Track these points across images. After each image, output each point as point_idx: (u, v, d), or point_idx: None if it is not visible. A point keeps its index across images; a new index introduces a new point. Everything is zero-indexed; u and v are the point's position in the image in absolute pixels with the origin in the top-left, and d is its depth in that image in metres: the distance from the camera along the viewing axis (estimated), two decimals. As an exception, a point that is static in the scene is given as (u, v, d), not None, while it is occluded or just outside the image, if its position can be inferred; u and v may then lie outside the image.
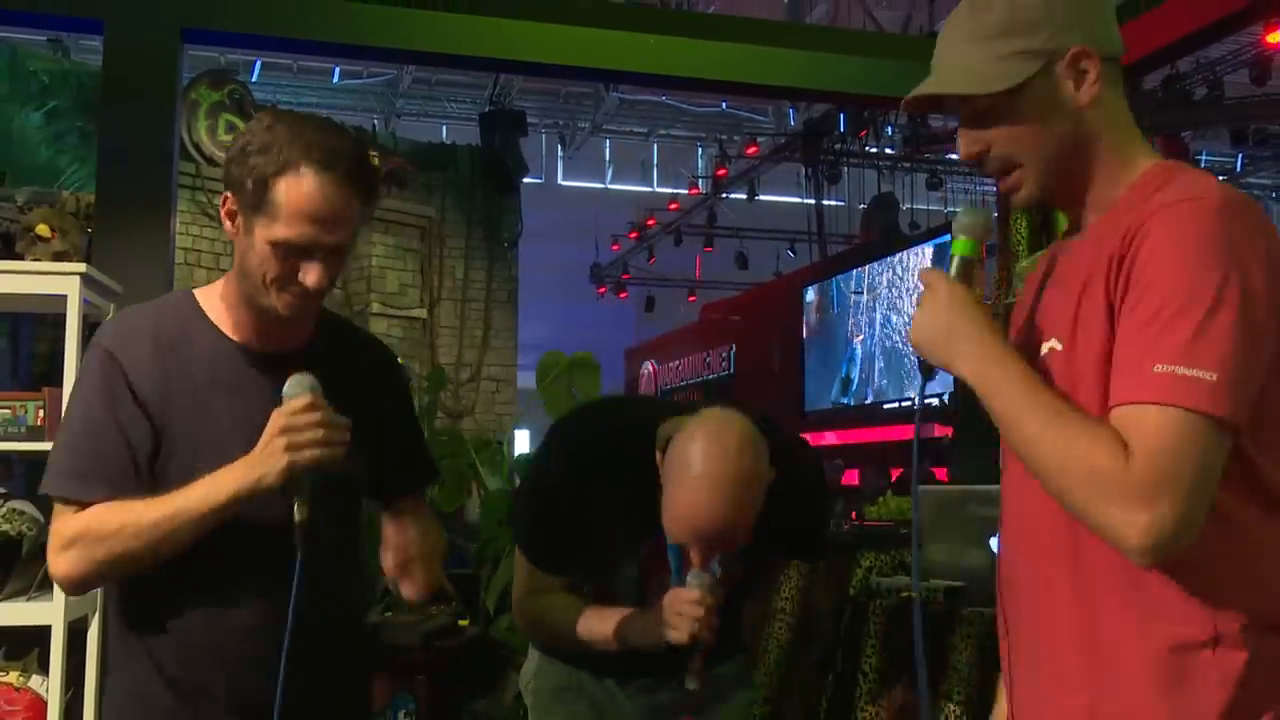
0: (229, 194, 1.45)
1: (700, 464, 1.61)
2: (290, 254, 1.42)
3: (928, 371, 1.30)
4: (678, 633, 1.65)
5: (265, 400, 1.45)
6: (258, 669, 1.46)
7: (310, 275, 1.43)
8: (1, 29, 7.99)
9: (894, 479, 10.51)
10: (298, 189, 1.40)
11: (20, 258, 2.87)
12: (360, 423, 1.45)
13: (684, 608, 1.65)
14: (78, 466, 1.47)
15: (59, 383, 2.62)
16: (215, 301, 1.56)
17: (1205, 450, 1.09)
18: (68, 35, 8.65)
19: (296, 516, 1.40)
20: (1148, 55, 3.07)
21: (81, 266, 2.65)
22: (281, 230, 1.41)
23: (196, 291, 1.59)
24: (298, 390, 1.41)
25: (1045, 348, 1.26)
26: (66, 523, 1.46)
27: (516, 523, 2.17)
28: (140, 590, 1.52)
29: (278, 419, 1.40)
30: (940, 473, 7.38)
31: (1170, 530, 1.08)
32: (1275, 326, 1.13)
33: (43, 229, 2.88)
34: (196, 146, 9.10)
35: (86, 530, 1.44)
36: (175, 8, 3.21)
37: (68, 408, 1.53)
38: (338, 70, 12.56)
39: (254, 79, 11.53)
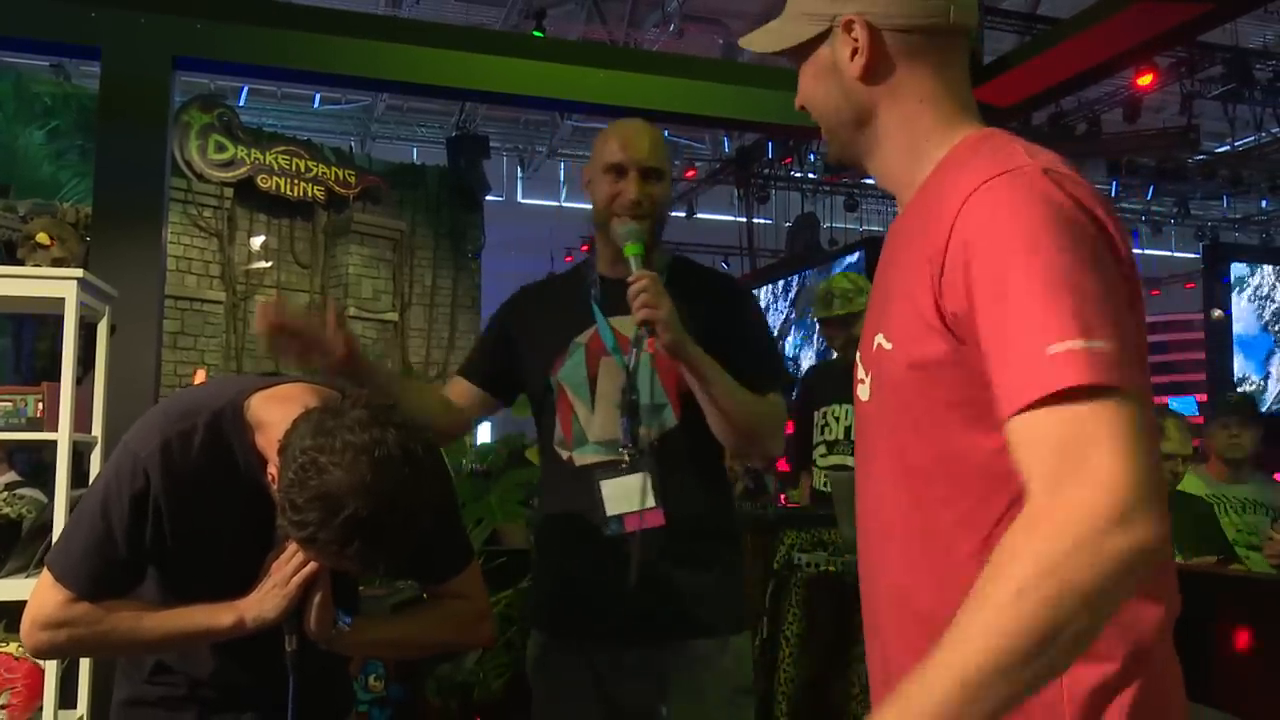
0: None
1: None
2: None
3: None
4: (641, 312, 1.68)
5: (265, 508, 1.32)
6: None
7: None
8: (7, 54, 7.80)
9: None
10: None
11: (21, 263, 2.82)
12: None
13: (641, 285, 1.69)
14: (92, 572, 1.35)
15: (57, 378, 2.56)
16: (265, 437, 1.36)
17: None
18: (68, 61, 8.46)
19: (288, 646, 1.37)
20: (1034, 95, 3.12)
21: (78, 272, 2.59)
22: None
23: (254, 407, 1.38)
24: None
25: (875, 342, 1.03)
26: (61, 606, 1.35)
27: None
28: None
29: (280, 568, 1.35)
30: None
31: None
32: None
33: (42, 237, 2.82)
34: (188, 164, 8.94)
35: (81, 619, 1.35)
36: (167, 37, 3.14)
37: (92, 497, 1.37)
38: (318, 96, 12.39)
39: (241, 103, 11.33)
